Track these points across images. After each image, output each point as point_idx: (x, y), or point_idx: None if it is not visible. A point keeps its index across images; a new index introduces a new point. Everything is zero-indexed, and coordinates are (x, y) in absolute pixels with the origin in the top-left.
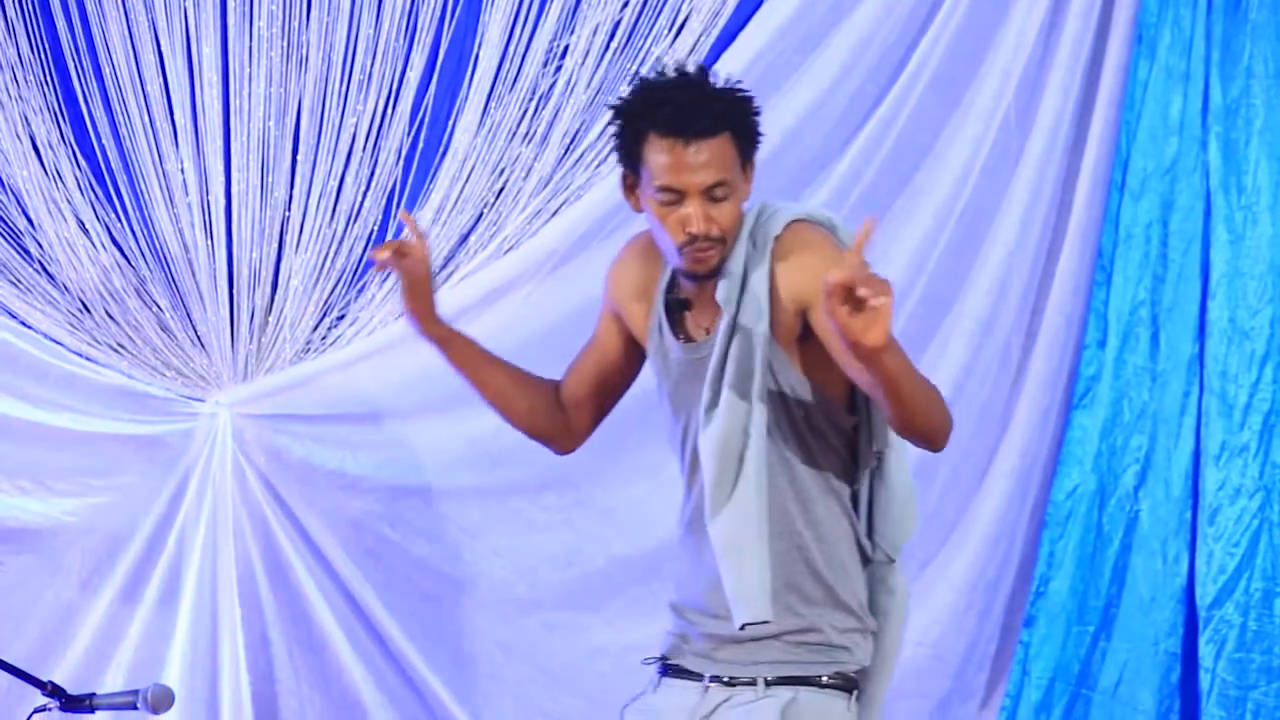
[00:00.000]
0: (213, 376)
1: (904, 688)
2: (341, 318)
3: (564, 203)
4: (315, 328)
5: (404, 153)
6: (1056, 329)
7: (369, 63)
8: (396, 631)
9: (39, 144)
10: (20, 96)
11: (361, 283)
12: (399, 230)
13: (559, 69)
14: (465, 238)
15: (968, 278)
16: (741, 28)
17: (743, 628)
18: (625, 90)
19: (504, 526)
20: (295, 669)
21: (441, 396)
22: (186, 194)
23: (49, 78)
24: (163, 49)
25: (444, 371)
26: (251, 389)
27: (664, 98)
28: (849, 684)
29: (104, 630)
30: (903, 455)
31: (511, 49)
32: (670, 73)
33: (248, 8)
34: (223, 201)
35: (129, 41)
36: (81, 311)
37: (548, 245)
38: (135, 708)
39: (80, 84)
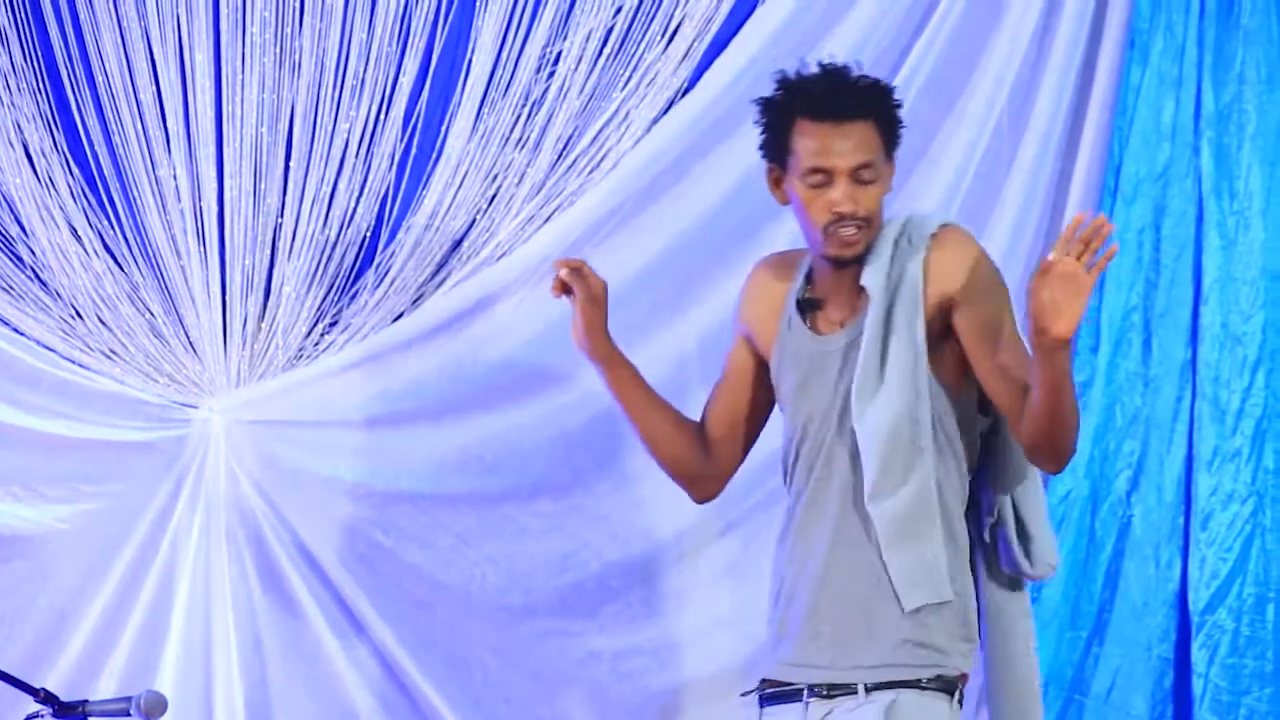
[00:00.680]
0: (205, 383)
1: None
2: (334, 324)
3: (557, 209)
4: (308, 334)
5: (397, 158)
6: None
7: (362, 68)
8: (390, 637)
9: (31, 151)
10: (12, 103)
11: (354, 289)
12: (392, 236)
13: (552, 75)
14: (458, 243)
15: None
16: (734, 34)
17: (916, 611)
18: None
19: (497, 532)
20: (288, 675)
21: (434, 403)
22: (179, 200)
23: (41, 84)
24: (155, 55)
25: (437, 378)
26: (244, 395)
27: (810, 85)
28: (949, 687)
29: (97, 637)
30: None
31: (504, 55)
32: (813, 67)
33: (240, 13)
34: (215, 208)
35: (121, 48)
36: (74, 318)
37: (541, 251)
38: (128, 714)
39: (73, 90)
